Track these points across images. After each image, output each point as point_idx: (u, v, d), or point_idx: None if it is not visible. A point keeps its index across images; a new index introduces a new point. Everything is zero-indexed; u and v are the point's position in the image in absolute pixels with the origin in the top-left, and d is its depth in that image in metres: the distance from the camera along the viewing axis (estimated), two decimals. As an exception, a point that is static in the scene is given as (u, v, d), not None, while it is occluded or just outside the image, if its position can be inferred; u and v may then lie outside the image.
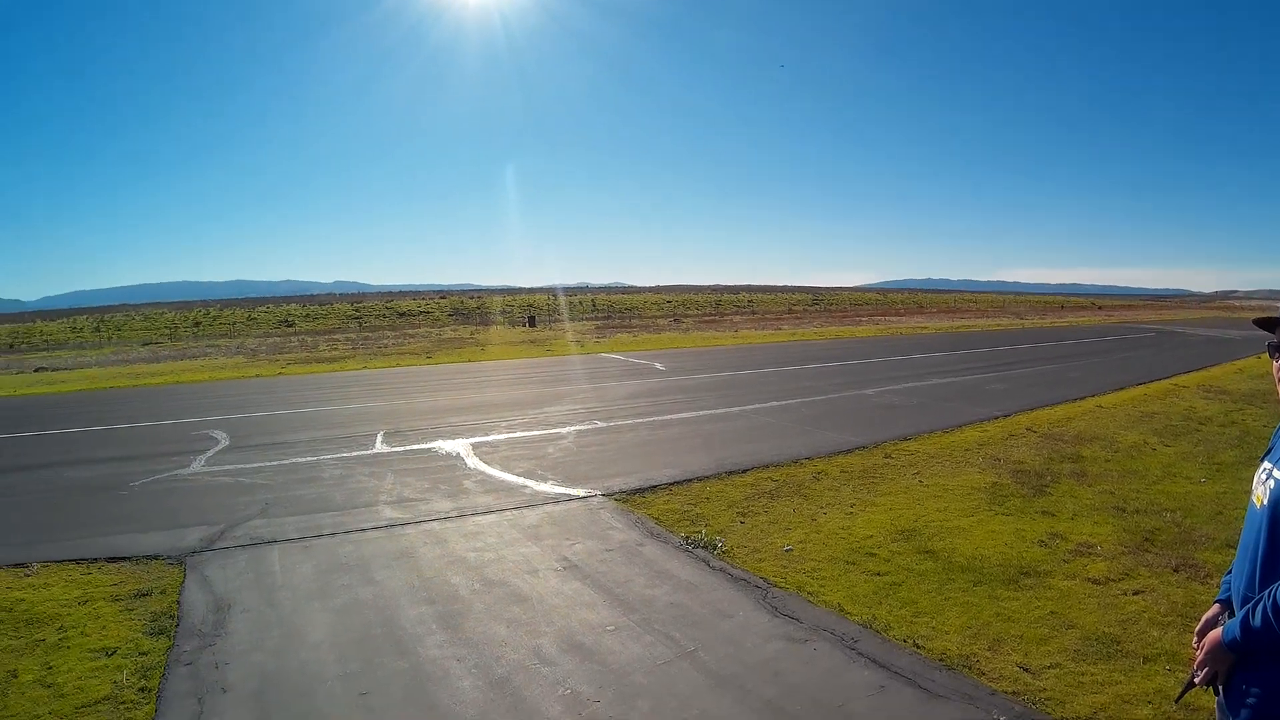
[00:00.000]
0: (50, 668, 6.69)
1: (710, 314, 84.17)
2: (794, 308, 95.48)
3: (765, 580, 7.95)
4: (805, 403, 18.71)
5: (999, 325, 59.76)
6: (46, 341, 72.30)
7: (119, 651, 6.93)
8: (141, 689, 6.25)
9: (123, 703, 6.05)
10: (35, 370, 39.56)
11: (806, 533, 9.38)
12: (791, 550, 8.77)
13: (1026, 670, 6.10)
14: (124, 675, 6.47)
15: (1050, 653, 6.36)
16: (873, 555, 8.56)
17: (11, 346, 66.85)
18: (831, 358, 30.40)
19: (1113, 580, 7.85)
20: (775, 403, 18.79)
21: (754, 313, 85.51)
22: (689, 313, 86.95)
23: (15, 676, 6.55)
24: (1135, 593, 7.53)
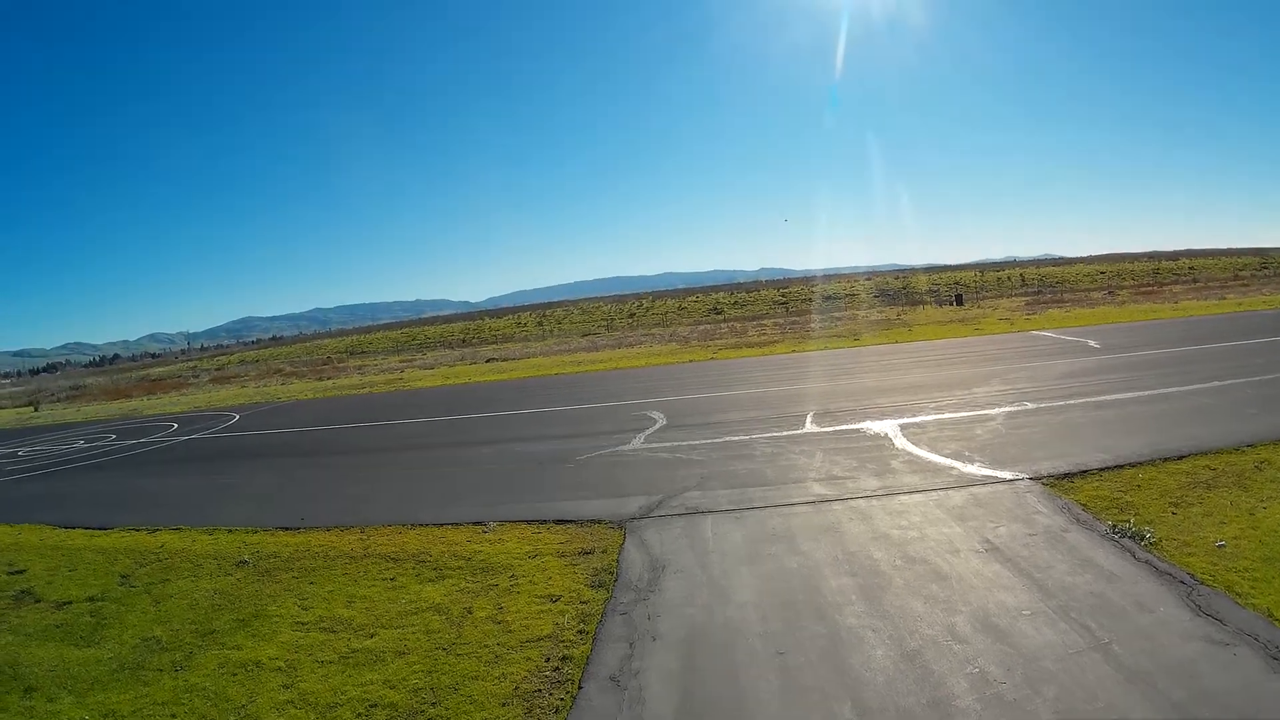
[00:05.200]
0: (501, 608, 7.98)
1: (1147, 284, 75.35)
2: (1239, 273, 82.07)
3: (1192, 576, 7.21)
4: (1252, 382, 16.09)
5: None
6: (495, 335, 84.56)
7: (562, 599, 8.02)
8: (580, 630, 7.23)
9: (562, 641, 7.05)
10: (487, 361, 46.36)
11: (1242, 528, 8.25)
12: (1224, 546, 7.79)
13: None
14: (565, 619, 7.50)
15: None
16: (1315, 558, 7.37)
17: (464, 341, 79.26)
18: (1282, 330, 25.91)
19: None
20: (1217, 382, 16.38)
21: (1194, 281, 74.88)
22: (1124, 283, 78.90)
23: (470, 613, 7.93)
24: None
